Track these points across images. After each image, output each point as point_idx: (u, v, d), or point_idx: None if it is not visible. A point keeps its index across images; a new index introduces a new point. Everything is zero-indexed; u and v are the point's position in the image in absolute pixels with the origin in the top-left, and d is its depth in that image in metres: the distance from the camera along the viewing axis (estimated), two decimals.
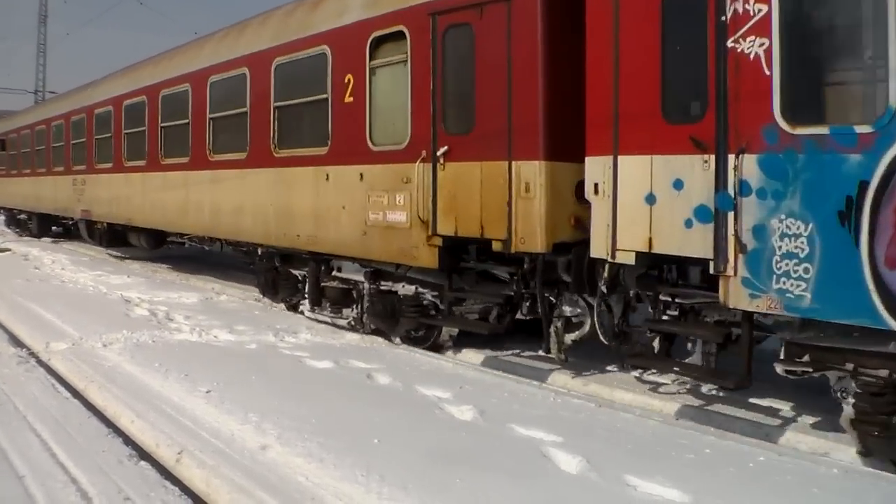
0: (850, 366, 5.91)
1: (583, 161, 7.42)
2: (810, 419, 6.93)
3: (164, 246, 19.26)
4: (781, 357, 6.27)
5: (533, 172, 7.83)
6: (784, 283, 5.87)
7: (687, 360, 7.47)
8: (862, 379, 5.84)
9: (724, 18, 6.21)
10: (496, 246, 8.23)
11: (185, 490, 5.34)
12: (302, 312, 11.87)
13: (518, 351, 9.69)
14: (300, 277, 12.06)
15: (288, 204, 11.50)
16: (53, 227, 28.01)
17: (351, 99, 10.13)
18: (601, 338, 7.78)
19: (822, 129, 5.68)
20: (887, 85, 5.36)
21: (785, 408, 7.27)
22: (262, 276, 13.19)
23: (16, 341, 10.10)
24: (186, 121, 14.73)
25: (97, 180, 20.16)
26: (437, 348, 9.82)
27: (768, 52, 5.94)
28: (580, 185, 7.58)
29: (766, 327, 6.70)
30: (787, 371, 6.26)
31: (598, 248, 7.24)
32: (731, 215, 6.15)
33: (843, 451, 6.25)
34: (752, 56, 6.05)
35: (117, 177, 18.57)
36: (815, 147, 5.68)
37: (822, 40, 6.14)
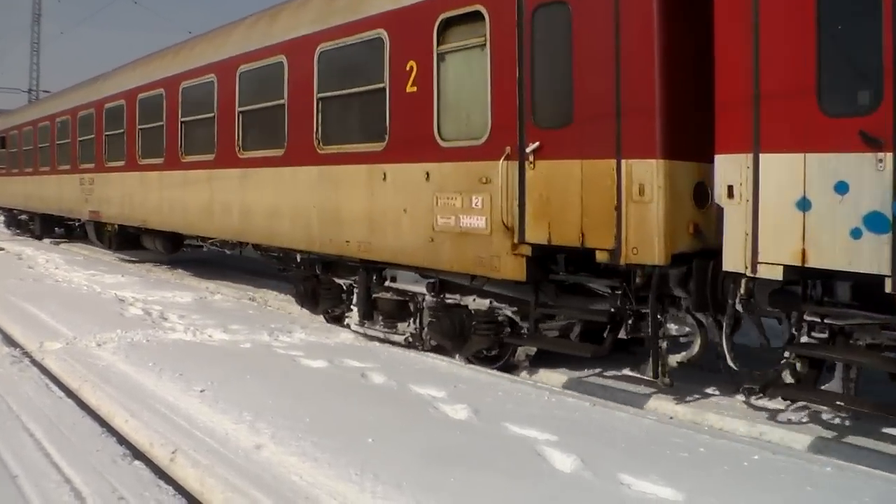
0: None
1: (702, 160, 6.77)
2: None
3: (182, 250, 18.17)
4: None
5: (649, 172, 6.82)
6: None
7: (824, 387, 6.62)
8: None
9: None
10: (601, 257, 7.18)
11: (180, 489, 5.33)
12: (347, 326, 10.76)
13: (599, 370, 8.68)
14: (345, 287, 10.97)
15: (335, 206, 10.31)
16: (57, 229, 26.98)
17: (414, 89, 8.98)
18: (729, 362, 6.77)
19: None
20: None
21: None
22: (300, 285, 11.74)
23: (9, 341, 10.07)
24: (212, 114, 13.46)
25: (107, 179, 18.83)
26: (509, 368, 8.79)
27: None
28: (698, 188, 6.94)
29: None
30: None
31: (733, 261, 6.36)
32: None
33: (838, 449, 6.28)
34: None
35: (131, 176, 17.23)
36: None
37: None
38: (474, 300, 8.83)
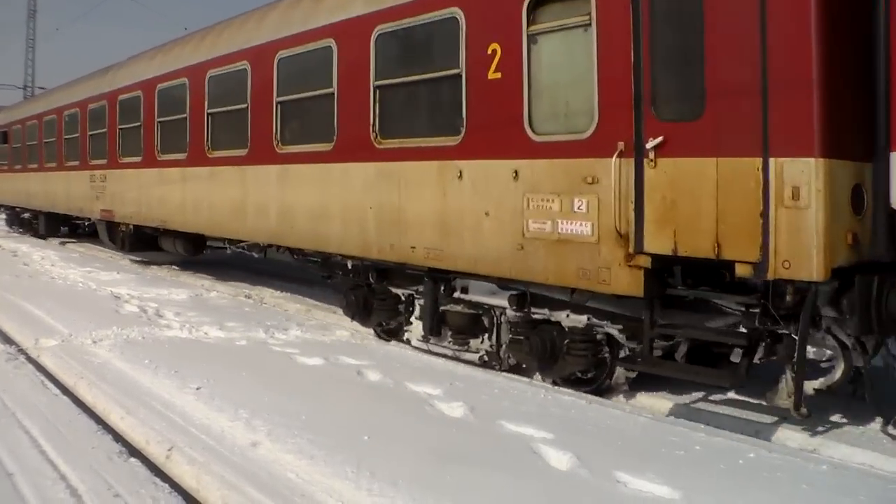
0: None
1: (859, 159, 6.01)
2: None
3: (204, 252, 16.82)
4: None
5: (805, 173, 5.84)
6: None
7: None
8: None
9: None
10: (742, 270, 6.20)
11: (176, 487, 5.34)
12: (407, 341, 9.72)
13: (703, 394, 7.79)
14: (403, 298, 9.90)
15: (397, 207, 9.17)
16: (63, 228, 25.77)
17: (498, 75, 7.93)
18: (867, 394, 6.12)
19: None
20: None
21: None
22: (350, 294, 10.55)
23: (5, 338, 10.05)
24: (244, 105, 12.24)
25: (122, 176, 17.49)
26: (602, 392, 7.85)
27: None
28: (855, 191, 6.06)
29: None
30: None
31: None
32: None
33: (833, 447, 6.29)
34: None
35: (149, 172, 15.96)
36: None
37: None
38: (568, 316, 7.82)
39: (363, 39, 9.65)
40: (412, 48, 9.23)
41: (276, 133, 11.48)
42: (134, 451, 5.99)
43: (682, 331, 7.09)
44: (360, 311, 10.45)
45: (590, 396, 7.42)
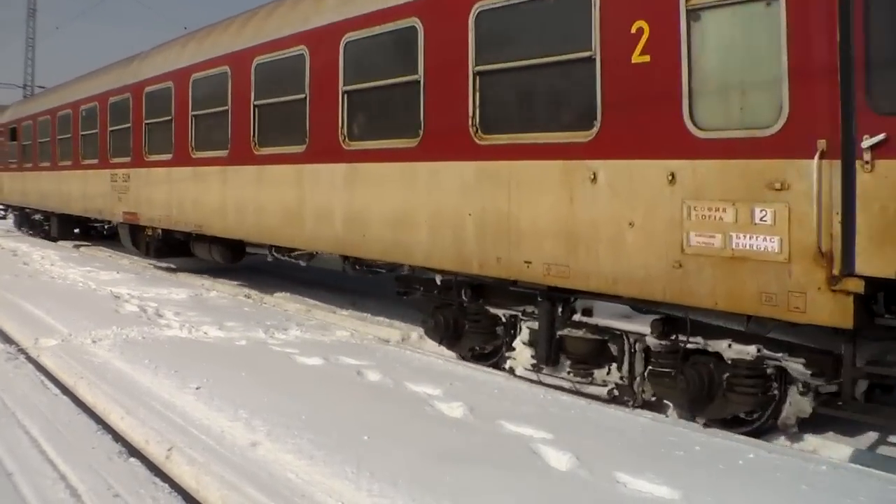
0: None
1: None
2: None
3: (244, 258, 15.22)
4: None
5: None
6: None
7: None
8: None
9: None
10: None
11: (175, 487, 5.34)
12: (509, 370, 8.27)
13: (879, 434, 6.72)
14: (504, 319, 8.57)
15: (506, 215, 7.81)
16: (77, 230, 24.32)
17: (646, 59, 6.66)
18: None
19: None
20: None
21: None
22: (437, 314, 9.14)
23: (4, 338, 10.05)
24: (301, 96, 10.79)
25: (148, 176, 15.99)
26: (761, 434, 6.60)
27: None
28: None
29: None
30: None
31: None
32: None
33: (832, 448, 6.30)
34: None
35: (181, 171, 14.53)
36: None
37: None
38: (730, 346, 6.51)
39: (458, 17, 8.35)
40: (524, 28, 7.71)
41: (343, 127, 10.07)
42: (134, 451, 5.99)
43: None
44: (449, 333, 9.05)
45: (588, 397, 7.40)
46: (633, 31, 6.74)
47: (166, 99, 15.06)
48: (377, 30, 9.50)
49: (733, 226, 6.10)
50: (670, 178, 6.46)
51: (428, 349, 9.76)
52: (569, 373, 7.75)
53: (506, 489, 4.93)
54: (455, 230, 8.38)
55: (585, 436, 6.00)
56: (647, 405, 7.25)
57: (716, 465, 5.43)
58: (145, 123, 16.12)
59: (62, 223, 23.88)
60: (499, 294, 8.49)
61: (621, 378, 7.38)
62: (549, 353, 7.78)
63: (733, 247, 6.09)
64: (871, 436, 6.70)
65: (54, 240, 24.15)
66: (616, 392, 7.39)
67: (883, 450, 6.51)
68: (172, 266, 17.81)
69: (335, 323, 11.35)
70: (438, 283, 9.11)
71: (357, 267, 10.72)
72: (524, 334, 8.21)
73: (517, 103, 8.05)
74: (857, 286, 5.49)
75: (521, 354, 8.22)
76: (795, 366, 6.22)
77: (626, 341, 7.29)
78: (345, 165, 10.04)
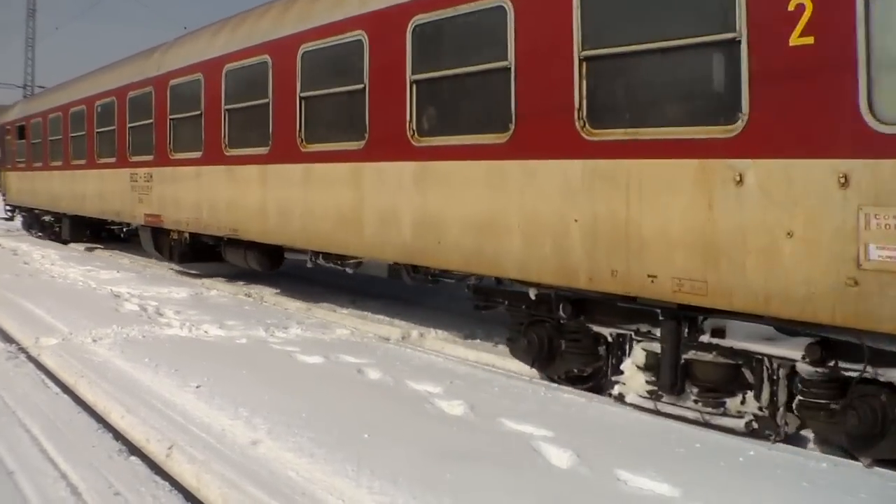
0: None
1: None
2: None
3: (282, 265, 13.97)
4: None
5: None
6: None
7: None
8: None
9: None
10: None
11: (176, 485, 5.34)
12: (618, 396, 7.10)
13: None
14: (610, 339, 7.45)
15: (625, 221, 6.72)
16: (90, 232, 23.17)
17: (809, 40, 5.68)
18: None
19: None
20: None
21: None
22: (530, 332, 8.02)
23: (5, 337, 10.06)
24: (360, 86, 9.70)
25: (174, 176, 14.95)
26: None
27: None
28: None
29: None
30: None
31: None
32: None
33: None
34: None
35: (212, 171, 13.41)
36: None
37: None
38: None
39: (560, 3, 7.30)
40: (643, 7, 6.78)
41: (412, 120, 8.90)
42: (134, 450, 5.99)
43: None
44: (542, 354, 7.95)
45: (589, 395, 7.40)
46: (792, 8, 5.78)
47: (195, 92, 14.04)
48: (456, 10, 8.37)
49: None
50: (842, 180, 5.45)
51: (428, 347, 9.78)
52: (695, 402, 6.65)
53: (506, 487, 4.93)
54: (557, 238, 7.29)
55: (586, 433, 6.00)
56: (789, 439, 6.29)
57: (716, 462, 5.43)
58: (170, 119, 15.10)
59: (74, 225, 22.80)
60: (604, 310, 7.41)
61: (760, 408, 6.35)
62: (675, 379, 6.69)
63: None
64: None
65: (65, 242, 23.14)
66: (755, 425, 6.31)
67: None
68: (198, 272, 16.59)
69: (335, 321, 11.35)
70: (532, 297, 7.93)
71: (417, 275, 9.68)
72: (638, 357, 7.12)
73: (631, 93, 6.94)
74: None
75: (634, 379, 7.10)
76: None
77: (767, 367, 6.26)
78: (414, 164, 8.96)
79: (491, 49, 7.94)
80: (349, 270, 11.21)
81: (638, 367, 7.10)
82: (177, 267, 16.70)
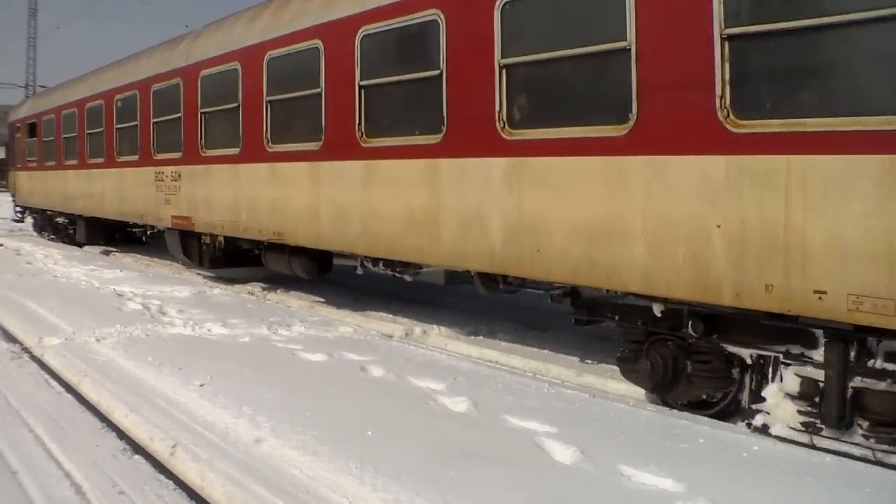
0: None
1: None
2: None
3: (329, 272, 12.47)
4: None
5: None
6: None
7: None
8: None
9: None
10: None
11: (180, 484, 5.34)
12: (762, 427, 6.09)
13: None
14: (750, 361, 6.41)
15: (783, 227, 5.60)
16: (104, 235, 21.98)
17: None
18: None
19: None
20: None
21: None
22: (653, 353, 7.05)
23: (8, 336, 10.08)
24: (436, 72, 8.51)
25: (206, 175, 13.75)
26: None
27: None
28: None
29: None
30: None
31: None
32: None
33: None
34: None
35: (252, 169, 12.29)
36: None
37: None
38: None
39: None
40: None
41: (501, 110, 7.82)
42: (138, 449, 5.99)
43: None
44: (667, 378, 6.96)
45: (593, 390, 7.39)
46: None
47: (231, 83, 12.81)
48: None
49: None
50: None
51: (431, 344, 9.78)
52: (865, 437, 5.62)
53: (510, 483, 4.93)
54: (692, 246, 6.21)
55: (590, 429, 5.99)
56: None
57: (720, 457, 5.43)
58: (201, 113, 13.86)
59: (90, 227, 21.56)
60: (742, 328, 6.39)
61: None
62: (843, 411, 5.62)
63: None
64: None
65: (80, 245, 21.96)
66: None
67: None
68: (233, 277, 15.23)
69: (338, 319, 11.35)
70: (658, 314, 6.85)
71: (501, 286, 8.73)
72: (789, 383, 6.07)
73: (793, 79, 5.73)
74: None
75: (782, 409, 6.11)
76: None
77: None
78: (505, 160, 7.85)
79: (600, 23, 6.95)
80: (408, 278, 10.28)
81: (787, 394, 6.08)
82: (207, 273, 15.59)
